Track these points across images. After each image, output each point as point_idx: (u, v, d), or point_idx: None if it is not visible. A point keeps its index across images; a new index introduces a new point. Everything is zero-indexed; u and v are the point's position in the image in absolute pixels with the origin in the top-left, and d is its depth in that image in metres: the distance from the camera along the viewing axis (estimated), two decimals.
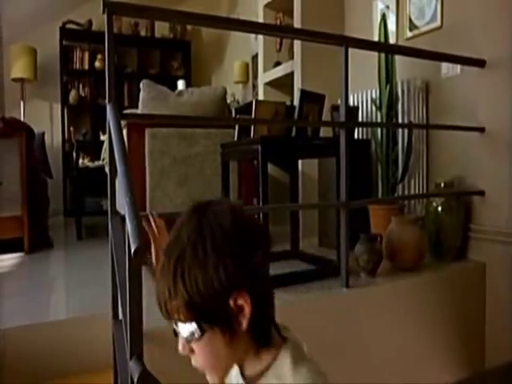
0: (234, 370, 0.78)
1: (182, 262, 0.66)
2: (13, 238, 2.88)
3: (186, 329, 0.68)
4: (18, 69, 4.75)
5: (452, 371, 2.07)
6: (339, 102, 2.85)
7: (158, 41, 5.69)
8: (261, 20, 3.73)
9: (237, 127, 2.29)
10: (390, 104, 2.43)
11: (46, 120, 5.24)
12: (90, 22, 5.27)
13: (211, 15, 1.46)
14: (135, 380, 0.94)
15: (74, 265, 2.75)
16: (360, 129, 2.90)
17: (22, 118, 4.71)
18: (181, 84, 5.15)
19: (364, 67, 2.71)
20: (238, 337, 0.68)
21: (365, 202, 2.25)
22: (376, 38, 2.67)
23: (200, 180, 2.53)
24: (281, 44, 3.68)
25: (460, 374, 2.09)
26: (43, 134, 4.08)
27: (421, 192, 2.59)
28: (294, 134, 2.09)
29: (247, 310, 0.66)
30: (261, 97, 3.76)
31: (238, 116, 2.42)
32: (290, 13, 3.41)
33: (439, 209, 2.22)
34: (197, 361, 0.71)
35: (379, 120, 2.53)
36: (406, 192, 2.63)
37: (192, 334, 0.68)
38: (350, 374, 1.65)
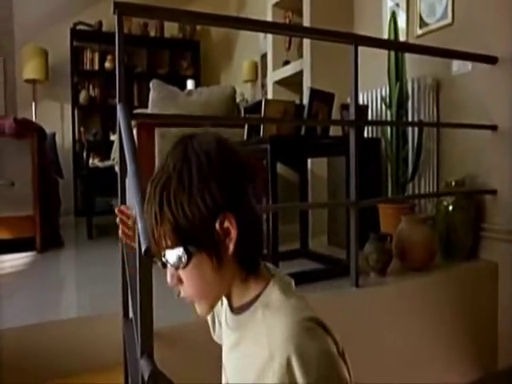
0: (225, 305, 0.78)
1: (167, 189, 0.66)
2: (25, 237, 2.91)
3: (174, 254, 0.68)
4: (30, 70, 4.80)
5: (463, 372, 2.05)
6: (348, 100, 2.84)
7: (168, 41, 5.70)
8: (270, 19, 3.72)
9: (246, 126, 2.28)
10: (399, 102, 2.41)
11: (57, 120, 5.28)
12: (100, 23, 5.31)
13: (220, 15, 1.47)
14: (146, 378, 0.95)
15: (85, 263, 2.77)
16: (369, 127, 2.89)
17: (33, 119, 4.76)
18: (190, 84, 5.17)
19: (373, 65, 2.69)
20: (225, 262, 0.69)
21: (375, 201, 2.24)
22: (386, 36, 2.65)
23: None
24: (290, 43, 3.67)
25: (472, 375, 2.07)
26: (54, 134, 4.12)
27: (431, 191, 2.57)
28: (303, 132, 2.08)
29: (233, 232, 0.67)
30: (270, 96, 3.76)
31: (247, 115, 2.41)
32: (298, 11, 3.40)
33: (450, 208, 2.20)
34: (185, 290, 0.72)
35: (389, 118, 2.51)
36: (417, 191, 2.61)
37: (179, 258, 0.68)
38: (358, 374, 1.65)
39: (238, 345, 0.72)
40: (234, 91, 2.65)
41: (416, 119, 2.58)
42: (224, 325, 0.80)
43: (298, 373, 0.59)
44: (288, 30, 2.16)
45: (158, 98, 2.46)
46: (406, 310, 1.88)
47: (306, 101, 2.10)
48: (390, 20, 2.41)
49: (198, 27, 5.85)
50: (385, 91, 2.67)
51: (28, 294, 2.09)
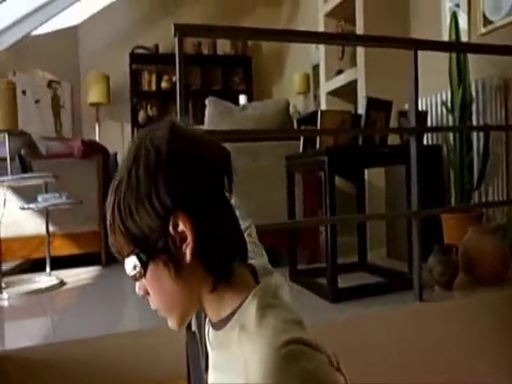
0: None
1: (118, 193, 0.61)
2: (91, 252, 3.05)
3: (129, 263, 0.61)
4: (94, 94, 5.11)
5: None
6: (406, 107, 2.76)
7: (220, 58, 5.85)
8: (322, 29, 3.71)
9: (301, 139, 2.27)
10: (463, 106, 2.30)
11: (118, 139, 5.54)
12: (156, 46, 5.55)
13: (277, 29, 1.48)
14: None
15: None
16: (429, 134, 2.78)
17: (97, 140, 5.02)
18: (242, 98, 5.24)
19: (431, 68, 2.60)
20: (186, 270, 0.60)
21: (439, 210, 2.15)
22: (445, 38, 2.56)
23: (264, 193, 2.53)
24: (343, 52, 3.64)
25: None
26: (116, 154, 4.30)
27: (500, 199, 2.42)
28: (360, 143, 2.04)
29: (189, 236, 0.58)
30: (323, 106, 3.74)
31: (302, 127, 2.41)
32: (351, 20, 3.37)
33: None
34: (153, 302, 0.65)
35: (451, 124, 2.41)
36: (484, 199, 2.47)
37: (134, 268, 0.61)
38: None
39: (218, 366, 0.65)
40: (288, 104, 2.65)
41: (481, 123, 2.45)
42: (206, 338, 0.71)
43: None
44: (345, 39, 2.13)
45: (214, 114, 2.51)
46: (474, 327, 1.77)
47: (362, 110, 2.06)
48: (451, 21, 2.32)
49: (250, 43, 5.95)
50: (446, 95, 2.56)
51: (94, 306, 2.17)
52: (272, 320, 0.56)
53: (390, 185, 2.73)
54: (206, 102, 2.59)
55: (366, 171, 2.83)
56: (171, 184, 0.58)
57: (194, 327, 1.43)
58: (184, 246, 0.59)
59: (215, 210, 0.60)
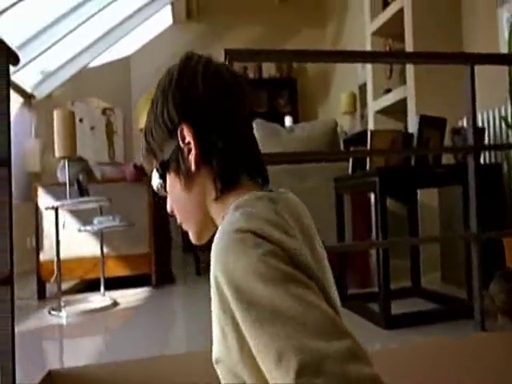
0: None
1: (146, 117, 0.70)
2: (142, 273, 3.11)
3: (153, 179, 0.69)
4: (144, 120, 5.28)
5: None
6: (460, 124, 2.66)
7: (266, 81, 5.93)
8: (369, 48, 3.67)
9: (351, 160, 2.23)
10: None
11: None
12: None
13: (324, 51, 1.47)
14: None
15: (195, 299, 2.86)
16: (487, 152, 2.65)
17: None
18: (288, 120, 5.26)
19: (489, 82, 2.49)
20: (194, 180, 0.64)
21: (501, 233, 2.02)
22: (503, 50, 2.45)
23: (313, 215, 2.49)
24: (391, 70, 3.57)
25: None
26: None
27: None
28: (413, 162, 1.97)
29: (193, 145, 0.63)
30: (371, 126, 3.67)
31: (351, 148, 2.36)
32: (399, 37, 3.31)
33: None
34: (177, 215, 0.69)
35: (511, 140, 2.28)
36: None
37: (156, 181, 0.69)
38: None
39: None
40: (336, 124, 2.62)
41: None
42: None
43: (229, 297, 0.50)
44: (395, 57, 2.08)
45: (261, 137, 2.52)
46: None
47: (413, 129, 1.99)
48: (510, 32, 2.22)
49: (295, 64, 6.00)
50: (505, 110, 2.44)
51: (146, 327, 2.20)
52: (237, 214, 0.55)
53: (445, 206, 2.61)
54: (253, 124, 2.60)
55: (418, 192, 2.73)
56: (177, 100, 0.64)
57: None
58: (190, 155, 0.63)
59: (220, 123, 0.64)
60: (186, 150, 0.64)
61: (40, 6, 3.89)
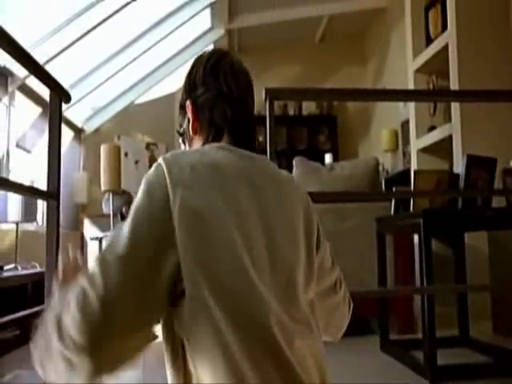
0: None
1: None
2: None
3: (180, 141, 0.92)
4: None
5: None
6: None
7: (306, 118, 5.96)
8: (411, 85, 3.63)
9: (393, 200, 2.16)
10: None
11: None
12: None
13: (367, 89, 1.45)
14: None
15: None
16: None
17: None
18: (328, 157, 5.23)
19: None
20: (193, 144, 0.86)
21: None
22: None
23: (353, 256, 2.42)
24: (435, 107, 3.50)
25: None
26: None
27: None
28: (460, 204, 1.89)
29: (191, 117, 0.84)
30: (414, 164, 3.57)
31: (394, 188, 2.30)
32: (443, 74, 3.25)
33: None
34: None
35: None
36: None
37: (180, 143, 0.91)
38: None
39: None
40: (377, 163, 2.57)
41: None
42: None
43: None
44: (439, 96, 2.03)
45: (301, 175, 2.51)
46: None
47: (460, 169, 1.91)
48: None
49: (335, 102, 6.02)
50: None
51: None
52: (185, 150, 0.84)
53: (495, 250, 2.47)
54: (294, 162, 2.60)
55: (466, 235, 2.61)
56: (186, 83, 0.87)
57: None
58: (189, 125, 0.85)
59: (211, 100, 0.83)
60: (189, 120, 0.85)
61: (92, 47, 4.12)
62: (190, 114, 0.84)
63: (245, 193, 0.72)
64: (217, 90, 0.83)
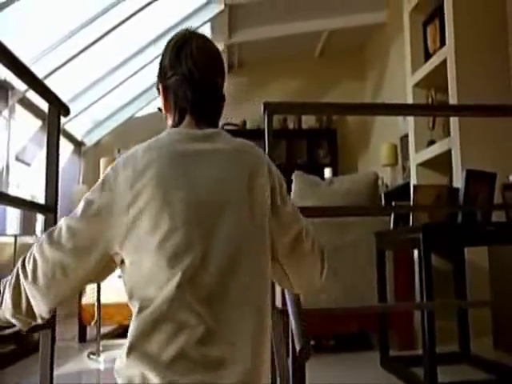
0: None
1: None
2: None
3: None
4: None
5: None
6: (511, 179, 2.53)
7: (305, 131, 5.97)
8: (410, 100, 3.65)
9: (392, 214, 2.16)
10: None
11: None
12: (244, 122, 5.84)
13: (366, 104, 1.45)
14: None
15: None
16: None
17: None
18: (327, 171, 5.23)
19: None
20: (168, 120, 0.99)
21: None
22: None
23: (353, 270, 2.41)
24: (434, 122, 3.51)
25: None
26: None
27: None
28: (460, 219, 1.88)
29: (162, 97, 0.98)
30: (413, 179, 3.57)
31: (393, 203, 2.29)
32: (442, 89, 3.27)
33: None
34: None
35: None
36: None
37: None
38: None
39: None
40: (377, 177, 2.57)
41: None
42: None
43: None
44: (439, 110, 2.03)
45: (300, 189, 2.50)
46: None
47: (460, 183, 1.91)
48: None
49: (335, 116, 6.04)
50: None
51: None
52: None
53: (496, 265, 2.46)
54: (293, 176, 2.59)
55: (465, 249, 2.59)
56: (159, 69, 0.97)
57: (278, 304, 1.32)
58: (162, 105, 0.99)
59: (176, 83, 0.93)
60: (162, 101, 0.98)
61: (93, 60, 4.16)
62: (161, 97, 0.97)
63: (178, 172, 0.84)
64: (181, 73, 0.93)
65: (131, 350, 0.77)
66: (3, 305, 0.92)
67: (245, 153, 0.94)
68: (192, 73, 0.92)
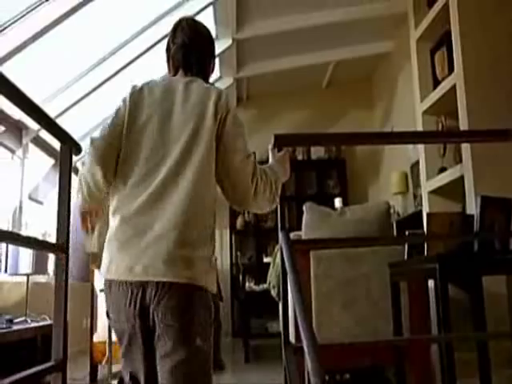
0: None
1: None
2: None
3: None
4: None
5: None
6: None
7: (314, 162, 5.99)
8: (420, 127, 3.64)
9: (406, 244, 2.12)
10: None
11: (217, 246, 5.67)
12: (253, 154, 5.86)
13: (374, 133, 1.45)
14: None
15: None
16: None
17: None
18: (337, 201, 5.18)
19: None
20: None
21: None
22: None
23: (367, 302, 2.35)
24: (445, 148, 3.48)
25: None
26: (215, 259, 4.41)
27: None
28: (476, 247, 1.83)
29: (167, 62, 1.47)
30: (425, 206, 3.53)
31: (407, 232, 2.26)
32: (451, 114, 3.26)
33: None
34: None
35: None
36: None
37: None
38: None
39: None
40: (389, 207, 2.53)
41: None
42: None
43: None
44: (449, 137, 1.99)
45: (311, 220, 2.48)
46: None
47: (473, 210, 1.88)
48: None
49: (344, 146, 6.05)
50: None
51: None
52: None
53: None
54: (304, 208, 2.58)
55: (483, 278, 2.52)
56: (166, 45, 1.45)
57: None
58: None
59: (172, 52, 1.42)
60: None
61: (101, 100, 4.26)
62: (167, 63, 1.44)
63: (158, 100, 1.31)
64: (177, 43, 1.40)
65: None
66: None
67: (207, 88, 1.32)
68: (184, 42, 1.39)
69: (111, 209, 1.27)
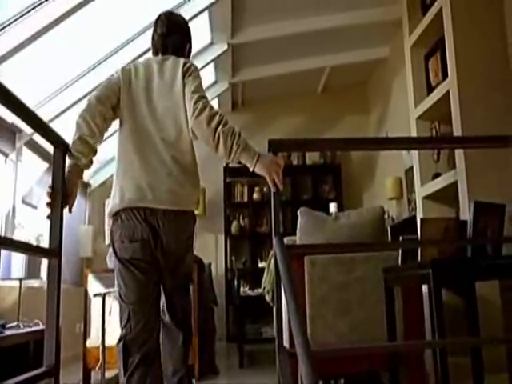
0: None
1: None
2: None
3: None
4: None
5: None
6: None
7: (309, 167, 6.00)
8: (414, 133, 3.66)
9: (400, 249, 2.12)
10: None
11: (212, 250, 5.68)
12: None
13: (369, 138, 1.46)
14: None
15: None
16: None
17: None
18: (332, 206, 5.21)
19: None
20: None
21: None
22: None
23: (361, 307, 2.35)
24: (439, 154, 3.51)
25: None
26: (210, 264, 4.39)
27: None
28: (470, 252, 1.84)
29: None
30: (420, 212, 3.54)
31: (401, 238, 2.26)
32: (445, 120, 3.29)
33: None
34: None
35: None
36: None
37: None
38: None
39: None
40: (383, 212, 2.54)
41: None
42: None
43: None
44: (444, 143, 2.01)
45: (306, 225, 2.48)
46: None
47: (467, 215, 1.89)
48: None
49: (339, 151, 6.07)
50: None
51: None
52: None
53: (508, 299, 2.39)
54: (298, 213, 2.58)
55: (476, 283, 2.53)
56: (151, 36, 1.95)
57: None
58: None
59: (153, 39, 1.90)
60: None
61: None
62: (151, 48, 1.86)
63: (142, 72, 1.77)
64: (157, 33, 1.85)
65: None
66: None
67: (177, 60, 1.78)
68: (162, 31, 1.84)
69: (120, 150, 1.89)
